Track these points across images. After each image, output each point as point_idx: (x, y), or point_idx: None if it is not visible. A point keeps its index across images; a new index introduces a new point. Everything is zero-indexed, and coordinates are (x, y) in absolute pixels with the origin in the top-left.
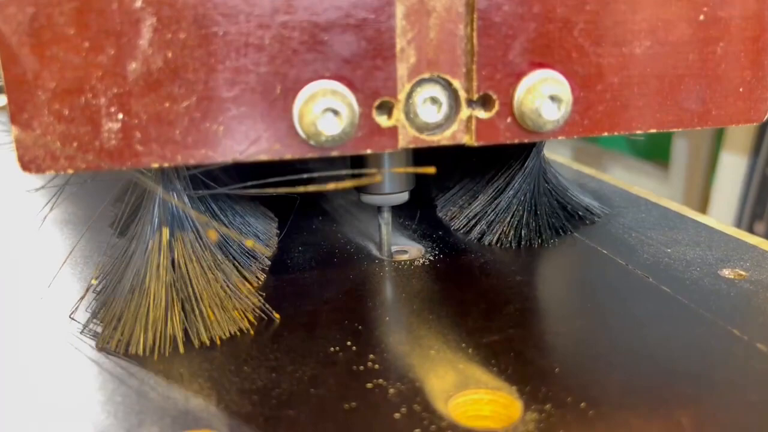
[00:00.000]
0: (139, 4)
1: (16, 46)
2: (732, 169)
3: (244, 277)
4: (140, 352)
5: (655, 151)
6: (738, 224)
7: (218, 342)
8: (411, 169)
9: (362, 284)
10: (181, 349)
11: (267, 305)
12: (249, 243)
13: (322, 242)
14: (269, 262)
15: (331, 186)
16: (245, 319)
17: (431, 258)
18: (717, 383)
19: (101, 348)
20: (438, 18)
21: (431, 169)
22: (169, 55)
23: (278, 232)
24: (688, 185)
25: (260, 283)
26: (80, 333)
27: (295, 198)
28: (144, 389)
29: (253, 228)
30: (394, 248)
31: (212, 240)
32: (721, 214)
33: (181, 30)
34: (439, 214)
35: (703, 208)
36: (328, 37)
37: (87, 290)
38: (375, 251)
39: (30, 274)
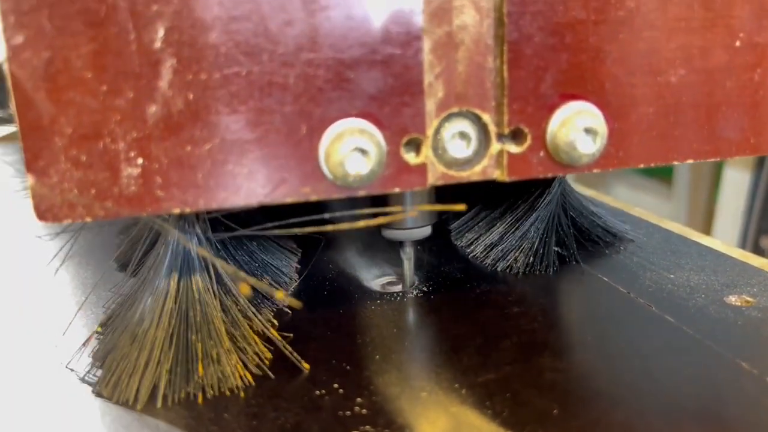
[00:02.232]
0: (158, 44)
1: (31, 92)
2: (736, 184)
3: (254, 324)
4: (131, 400)
5: (658, 168)
6: (744, 239)
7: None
8: (440, 207)
9: (352, 318)
10: (161, 401)
11: (265, 364)
12: (280, 295)
13: (314, 273)
14: (285, 304)
15: (361, 224)
16: (243, 377)
17: (425, 289)
18: (726, 423)
19: (98, 394)
20: (466, 51)
21: (461, 207)
22: (190, 96)
23: (298, 266)
24: (693, 201)
25: (276, 326)
26: (81, 380)
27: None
28: None
29: (272, 268)
30: (384, 279)
31: (245, 295)
32: (726, 230)
33: (202, 71)
34: (455, 242)
35: (707, 223)
36: (354, 75)
37: (89, 338)
38: (366, 282)
39: (44, 318)
